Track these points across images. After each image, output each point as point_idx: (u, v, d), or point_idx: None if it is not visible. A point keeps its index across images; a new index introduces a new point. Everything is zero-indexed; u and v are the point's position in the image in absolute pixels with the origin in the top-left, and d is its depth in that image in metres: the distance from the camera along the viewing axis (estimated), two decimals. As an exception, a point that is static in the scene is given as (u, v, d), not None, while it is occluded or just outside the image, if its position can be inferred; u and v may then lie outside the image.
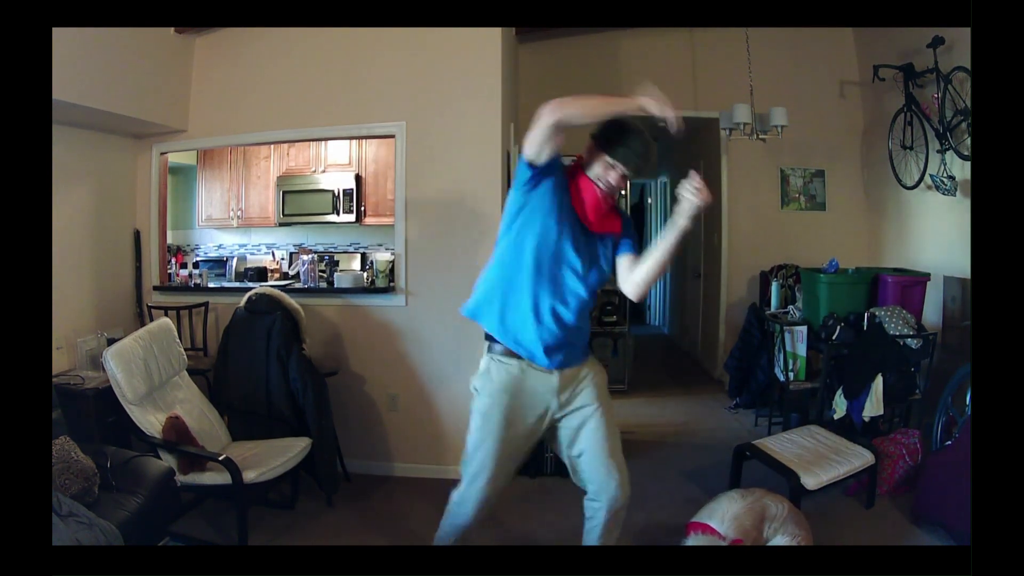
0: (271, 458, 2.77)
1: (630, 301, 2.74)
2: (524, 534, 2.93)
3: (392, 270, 3.74)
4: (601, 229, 1.99)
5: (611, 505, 2.05)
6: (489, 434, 2.01)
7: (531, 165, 1.87)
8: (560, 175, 1.94)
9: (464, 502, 2.05)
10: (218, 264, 5.30)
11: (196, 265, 4.84)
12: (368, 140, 4.76)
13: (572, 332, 2.00)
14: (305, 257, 4.29)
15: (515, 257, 1.95)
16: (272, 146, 4.95)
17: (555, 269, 1.94)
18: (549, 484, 3.41)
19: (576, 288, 1.96)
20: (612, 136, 1.91)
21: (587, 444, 2.05)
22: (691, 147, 6.37)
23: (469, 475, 2.04)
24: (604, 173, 1.93)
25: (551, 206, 1.91)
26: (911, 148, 4.22)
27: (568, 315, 1.97)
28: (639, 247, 2.06)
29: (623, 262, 2.05)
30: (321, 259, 4.92)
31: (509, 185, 2.30)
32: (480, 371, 2.05)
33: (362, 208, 4.94)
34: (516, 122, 3.95)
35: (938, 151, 3.95)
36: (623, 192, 1.87)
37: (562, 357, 2.00)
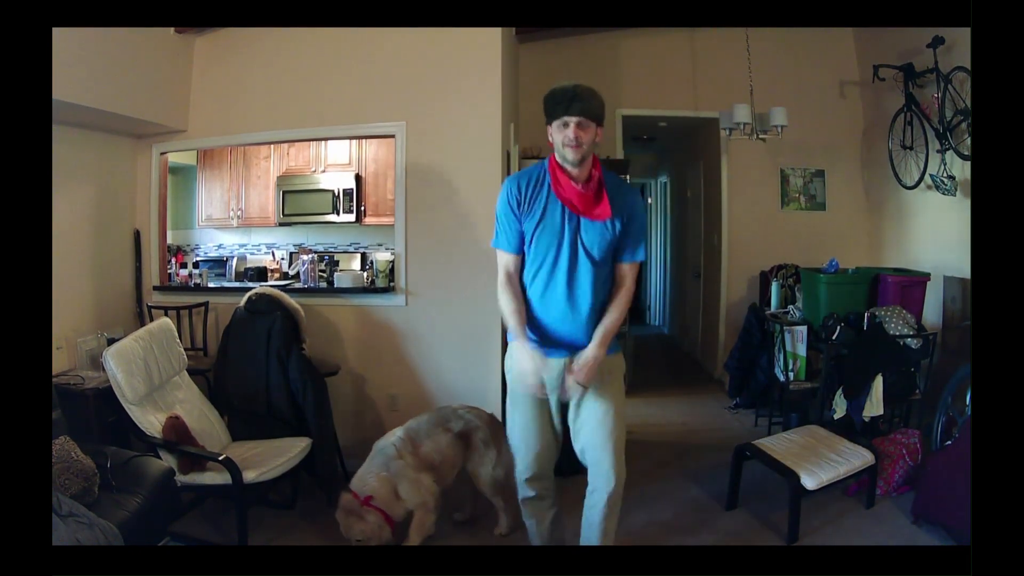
0: (271, 458, 2.77)
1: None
2: (521, 534, 2.92)
3: (392, 270, 3.74)
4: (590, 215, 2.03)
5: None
6: None
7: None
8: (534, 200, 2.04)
9: None
10: (218, 264, 5.30)
11: (196, 265, 4.85)
12: (368, 140, 4.76)
13: None
14: (305, 257, 4.29)
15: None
16: (272, 146, 4.95)
17: None
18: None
19: None
20: (546, 108, 2.00)
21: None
22: (691, 147, 6.37)
23: None
24: (559, 137, 1.97)
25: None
26: (911, 148, 4.22)
27: None
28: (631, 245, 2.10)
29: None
30: (321, 259, 4.92)
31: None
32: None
33: (362, 208, 4.94)
34: (516, 122, 3.96)
35: (938, 151, 3.95)
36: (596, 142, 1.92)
37: None
